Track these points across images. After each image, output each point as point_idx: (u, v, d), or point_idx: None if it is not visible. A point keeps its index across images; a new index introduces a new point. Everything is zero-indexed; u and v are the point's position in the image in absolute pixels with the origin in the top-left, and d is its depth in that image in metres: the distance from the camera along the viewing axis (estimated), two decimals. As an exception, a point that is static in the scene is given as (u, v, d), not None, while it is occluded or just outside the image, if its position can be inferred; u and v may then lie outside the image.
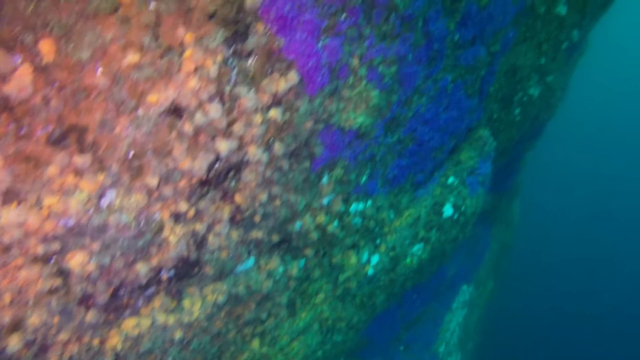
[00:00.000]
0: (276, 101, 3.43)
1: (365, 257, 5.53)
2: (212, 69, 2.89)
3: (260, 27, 3.02)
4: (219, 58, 2.90)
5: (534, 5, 5.38)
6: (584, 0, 5.99)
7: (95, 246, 2.99)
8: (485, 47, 5.15)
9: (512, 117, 6.87)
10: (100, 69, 2.47)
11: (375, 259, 5.60)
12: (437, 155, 5.76)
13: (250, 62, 3.10)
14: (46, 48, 2.23)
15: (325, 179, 4.44)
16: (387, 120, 4.62)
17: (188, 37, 2.71)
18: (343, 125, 4.17)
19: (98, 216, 2.89)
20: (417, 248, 5.84)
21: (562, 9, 5.77)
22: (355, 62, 3.85)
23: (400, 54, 4.19)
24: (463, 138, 5.99)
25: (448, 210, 5.85)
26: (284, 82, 3.37)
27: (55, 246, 2.77)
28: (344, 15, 3.51)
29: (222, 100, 3.07)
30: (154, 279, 3.57)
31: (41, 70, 2.29)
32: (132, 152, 2.85)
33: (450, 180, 5.89)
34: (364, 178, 4.91)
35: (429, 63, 4.63)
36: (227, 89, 3.06)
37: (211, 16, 2.74)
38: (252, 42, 3.02)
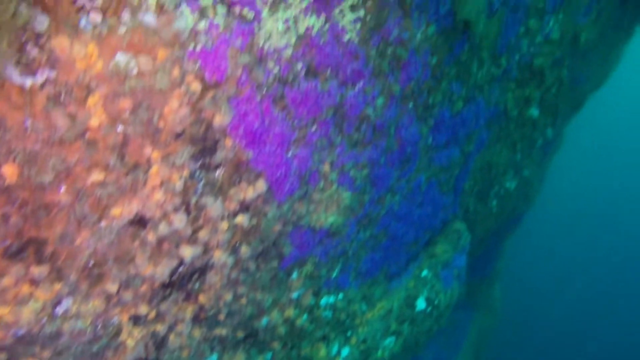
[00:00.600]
0: (244, 208, 3.48)
1: (335, 349, 5.43)
2: (178, 184, 2.96)
3: (228, 142, 3.12)
4: (186, 173, 2.98)
5: (507, 110, 5.59)
6: (556, 103, 6.24)
7: (46, 354, 2.94)
8: (459, 148, 5.31)
9: (489, 209, 6.97)
10: (63, 188, 2.52)
11: (345, 351, 5.50)
12: (412, 248, 5.80)
13: (218, 173, 3.18)
14: (9, 172, 2.29)
15: (294, 275, 4.43)
16: (360, 218, 4.68)
17: (155, 155, 2.79)
18: (314, 225, 4.22)
19: (51, 324, 2.86)
20: (389, 341, 5.76)
21: (534, 112, 6.00)
22: (326, 168, 3.95)
23: (372, 158, 4.31)
24: (438, 232, 6.05)
25: (421, 304, 5.82)
26: (252, 191, 3.44)
27: (2, 357, 2.73)
28: (314, 127, 3.63)
29: (187, 211, 3.13)
30: (109, 381, 3.48)
31: (3, 191, 2.34)
32: (92, 262, 2.87)
33: (424, 273, 5.89)
34: (336, 272, 4.91)
35: (402, 165, 4.75)
36: (193, 199, 3.12)
37: (179, 135, 2.84)
38: (220, 156, 3.11)
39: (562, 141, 8.54)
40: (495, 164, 6.27)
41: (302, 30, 3.13)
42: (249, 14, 2.84)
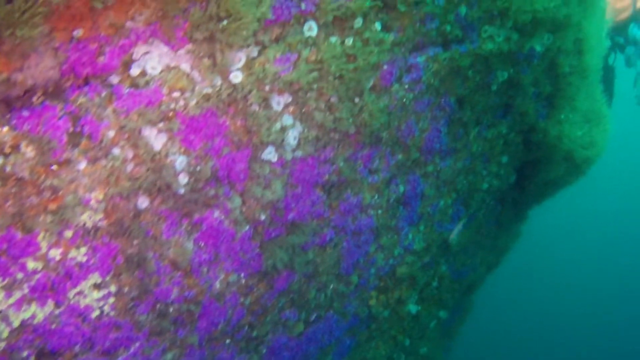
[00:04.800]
0: None
1: None
2: None
3: None
4: None
5: (374, 314, 4.92)
6: (439, 295, 5.59)
7: None
8: (312, 361, 4.57)
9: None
10: None
11: None
12: None
13: None
14: None
15: None
16: None
17: None
18: None
19: None
20: None
21: (412, 309, 5.33)
22: None
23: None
24: None
25: None
26: None
27: None
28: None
29: None
30: None
31: None
32: None
33: None
34: None
35: (229, 395, 3.99)
36: None
37: None
38: None
39: (472, 305, 7.82)
40: (373, 357, 5.50)
41: (17, 323, 2.50)
42: None
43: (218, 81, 2.59)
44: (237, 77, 2.63)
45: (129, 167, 2.46)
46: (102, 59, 2.29)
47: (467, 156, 4.41)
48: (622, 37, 5.89)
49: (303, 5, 2.79)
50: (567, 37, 4.16)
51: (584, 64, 4.39)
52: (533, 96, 4.41)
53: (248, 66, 2.66)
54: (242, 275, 3.39)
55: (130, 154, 2.44)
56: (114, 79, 2.36)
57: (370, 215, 4.01)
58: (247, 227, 3.21)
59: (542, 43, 4.09)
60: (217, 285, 3.28)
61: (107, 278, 2.69)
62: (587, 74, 4.50)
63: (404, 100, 3.58)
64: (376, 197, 3.94)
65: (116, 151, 2.40)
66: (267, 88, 2.79)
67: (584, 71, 4.44)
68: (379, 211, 4.06)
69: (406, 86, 3.54)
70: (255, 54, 2.71)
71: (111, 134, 2.36)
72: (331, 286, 4.20)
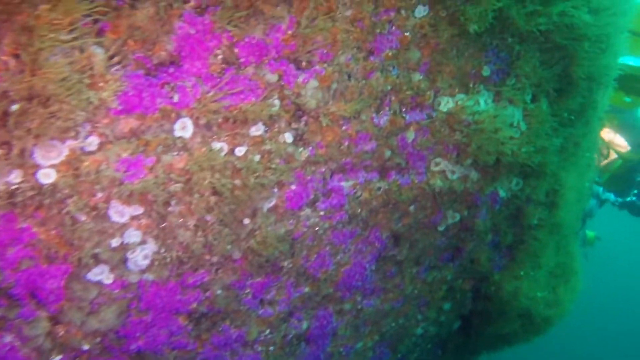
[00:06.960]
0: None
1: None
2: None
3: None
4: None
5: None
6: None
7: None
8: None
9: None
10: None
11: None
12: None
13: None
14: None
15: None
16: None
17: None
18: None
19: None
20: None
21: None
22: None
23: None
24: None
25: None
26: None
27: None
28: None
29: None
30: None
31: None
32: None
33: None
34: None
35: None
36: None
37: None
38: None
39: None
40: None
41: None
42: None
43: (16, 178, 1.82)
44: (48, 175, 1.86)
45: None
46: None
47: (399, 298, 3.56)
48: None
49: (176, 97, 2.06)
50: (539, 187, 3.41)
51: (557, 218, 3.61)
52: (490, 244, 3.61)
53: (71, 164, 1.90)
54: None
55: None
56: None
57: (257, 351, 3.13)
58: (59, 357, 2.35)
59: (509, 188, 3.33)
60: None
61: None
62: (559, 229, 3.71)
63: (317, 228, 2.80)
64: (268, 332, 3.08)
65: None
66: (99, 195, 2.01)
67: (555, 226, 3.65)
68: (271, 347, 3.19)
69: (321, 213, 2.76)
70: (92, 148, 1.95)
71: None
72: None
